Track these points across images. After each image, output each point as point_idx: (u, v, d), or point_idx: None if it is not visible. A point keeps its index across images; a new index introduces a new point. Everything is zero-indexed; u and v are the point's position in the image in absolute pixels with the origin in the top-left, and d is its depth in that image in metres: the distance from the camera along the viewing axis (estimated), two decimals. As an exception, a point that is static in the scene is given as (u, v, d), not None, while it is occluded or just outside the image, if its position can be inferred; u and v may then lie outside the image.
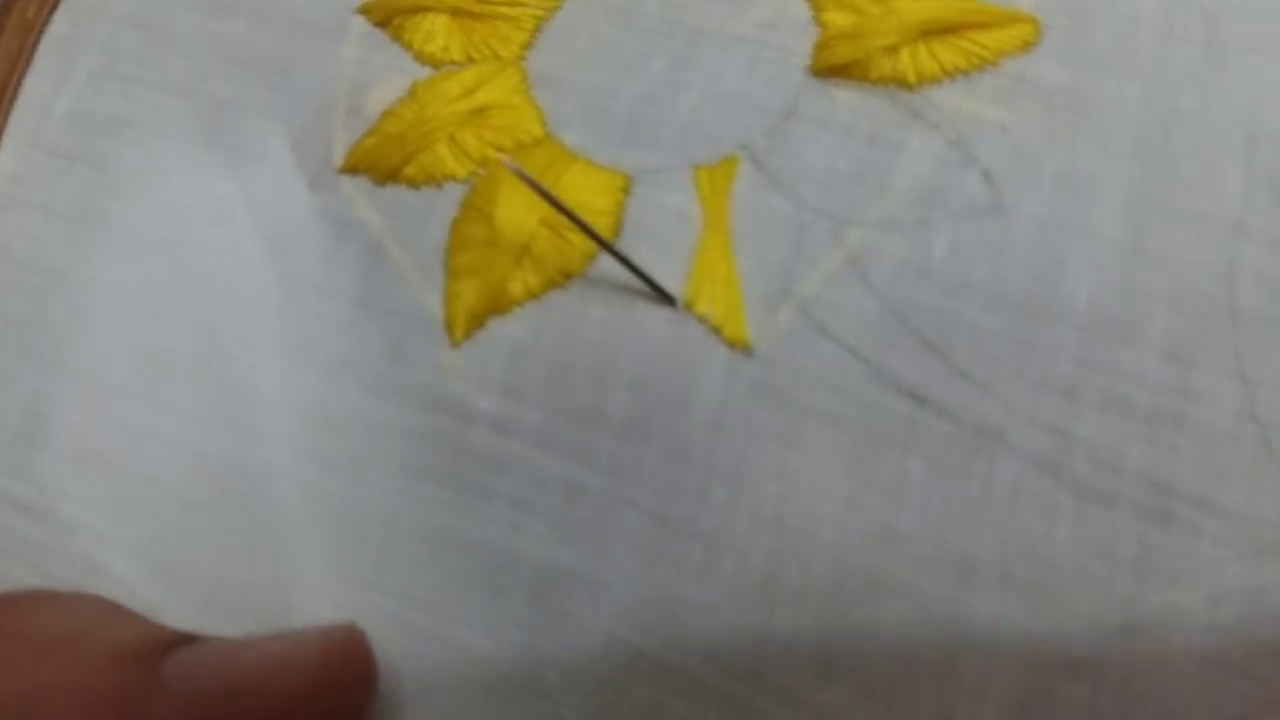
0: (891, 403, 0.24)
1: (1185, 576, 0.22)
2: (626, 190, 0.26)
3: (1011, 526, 0.23)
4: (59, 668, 0.21)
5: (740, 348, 0.24)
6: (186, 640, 0.23)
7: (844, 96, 0.26)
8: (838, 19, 0.27)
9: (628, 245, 0.25)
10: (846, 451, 0.23)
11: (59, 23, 0.30)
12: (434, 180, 0.26)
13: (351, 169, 0.27)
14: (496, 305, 0.25)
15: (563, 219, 0.25)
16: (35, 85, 0.29)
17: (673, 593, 0.23)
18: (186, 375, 0.26)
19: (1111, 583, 0.22)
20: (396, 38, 0.28)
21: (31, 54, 0.29)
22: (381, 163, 0.26)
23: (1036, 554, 0.23)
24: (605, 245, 0.24)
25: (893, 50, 0.26)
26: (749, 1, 0.27)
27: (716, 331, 0.24)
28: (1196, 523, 0.22)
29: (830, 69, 0.26)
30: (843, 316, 0.24)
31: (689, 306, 0.24)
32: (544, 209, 0.25)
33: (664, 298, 0.25)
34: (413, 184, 0.26)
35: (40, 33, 0.29)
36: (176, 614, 0.24)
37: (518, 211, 0.25)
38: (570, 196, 0.25)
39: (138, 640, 0.22)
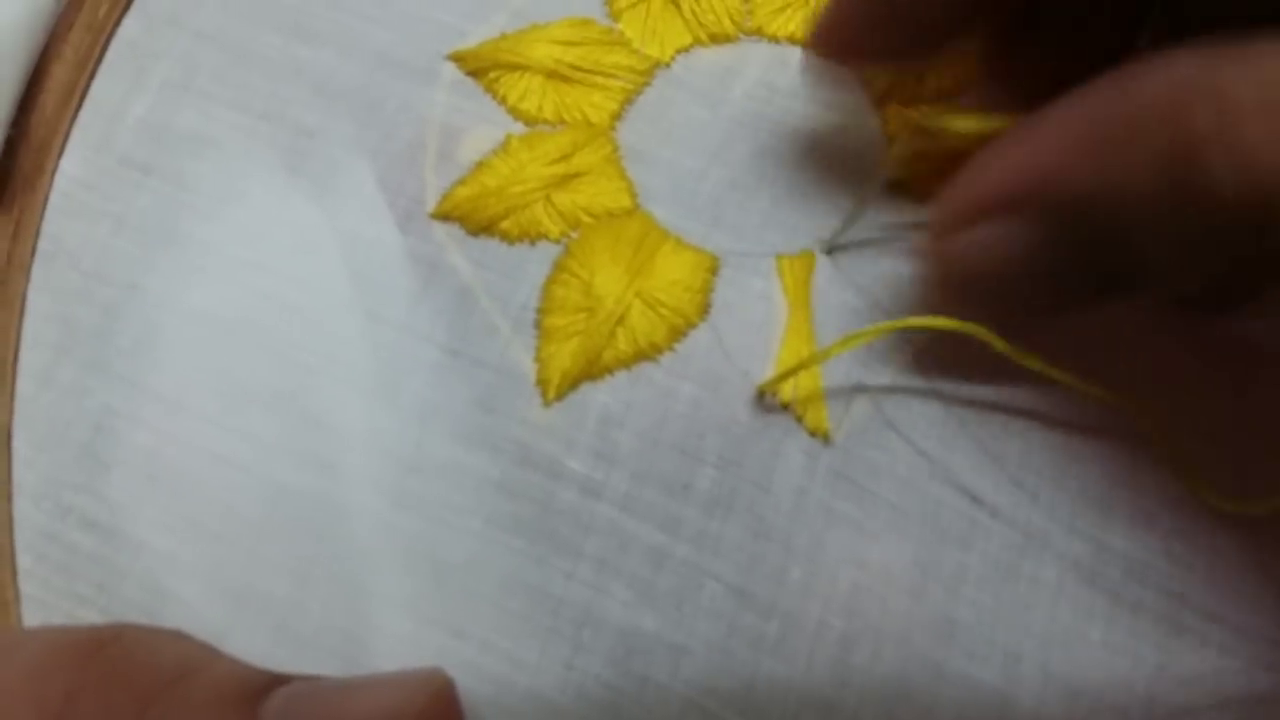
0: (953, 500, 0.24)
1: (1195, 682, 0.24)
2: (714, 270, 0.26)
3: (1053, 625, 0.24)
4: (163, 716, 0.20)
5: (820, 436, 0.25)
6: (278, 681, 0.21)
7: (908, 209, 0.27)
8: (904, 136, 0.27)
9: (717, 323, 0.25)
10: (913, 543, 0.24)
11: (130, 26, 0.28)
12: (528, 237, 0.26)
13: (444, 215, 0.26)
14: (590, 371, 0.25)
15: (657, 293, 0.25)
16: (105, 89, 0.27)
17: (749, 664, 0.23)
18: (267, 404, 0.25)
19: (1134, 682, 0.24)
20: (490, 90, 0.27)
21: (101, 56, 0.27)
22: (477, 214, 0.26)
23: (1073, 652, 0.24)
24: None
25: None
26: (824, 104, 0.27)
27: (798, 419, 0.25)
28: (1206, 633, 0.24)
29: (896, 183, 0.27)
30: (910, 415, 0.25)
31: (774, 394, 0.25)
32: (639, 281, 0.25)
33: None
34: (506, 238, 0.26)
35: (111, 35, 0.27)
36: (245, 642, 0.23)
37: (616, 282, 0.25)
38: (664, 272, 0.25)
39: (235, 683, 0.21)
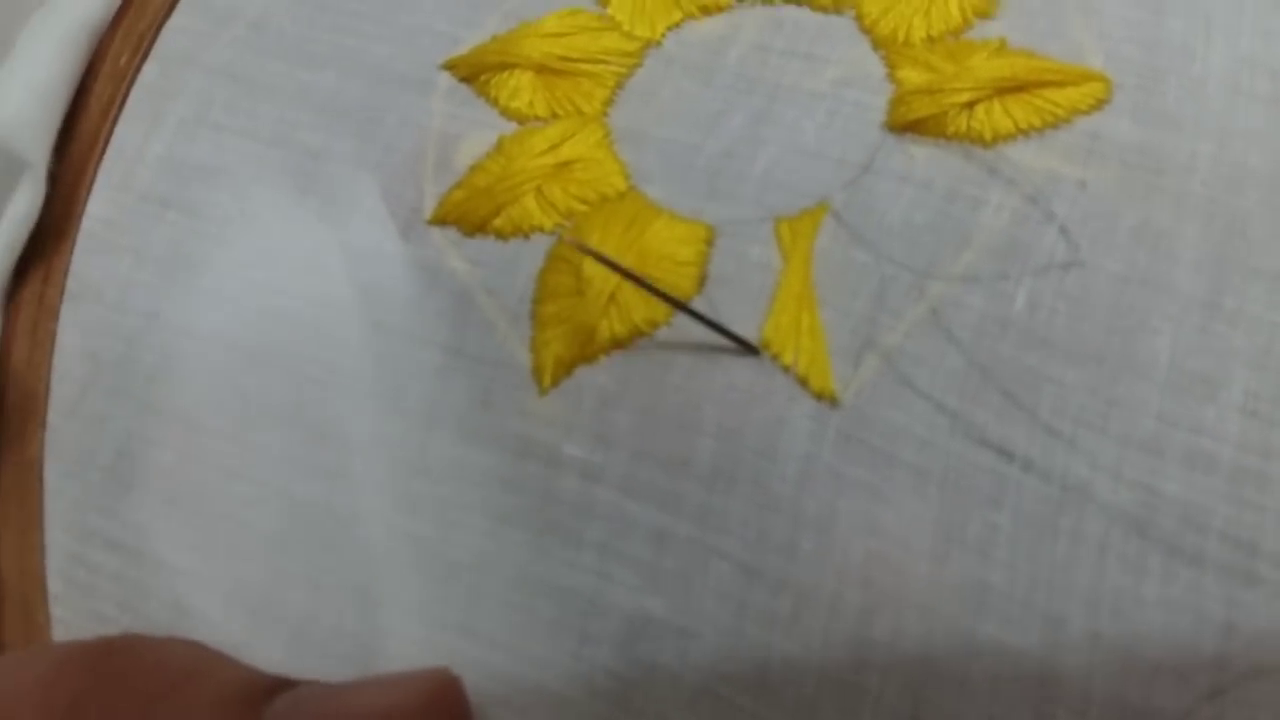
0: (978, 457, 0.22)
1: (1272, 639, 0.20)
2: (709, 242, 0.24)
3: (1100, 584, 0.21)
4: (166, 717, 0.19)
5: (826, 399, 0.22)
6: (284, 685, 0.21)
7: (921, 152, 0.24)
8: (912, 76, 0.25)
9: (712, 296, 0.23)
10: (935, 505, 0.22)
11: (149, 71, 0.28)
12: (521, 232, 0.25)
13: (441, 220, 0.25)
14: (584, 353, 0.23)
15: (647, 268, 0.23)
16: (127, 131, 0.27)
17: (762, 645, 0.21)
18: (278, 419, 0.24)
19: (1198, 644, 0.20)
20: (482, 93, 0.26)
21: (123, 101, 0.27)
22: (471, 215, 0.25)
23: (1124, 612, 0.21)
24: (680, 306, 0.22)
25: (968, 107, 0.24)
26: (824, 59, 0.25)
27: (802, 382, 0.22)
28: (1282, 583, 0.21)
29: (907, 125, 0.24)
30: (926, 369, 0.22)
31: (774, 357, 0.23)
32: (629, 259, 0.23)
33: (746, 349, 0.23)
34: (501, 235, 0.25)
35: (132, 81, 0.28)
36: (263, 655, 0.22)
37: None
38: (655, 248, 0.24)
39: (238, 686, 0.21)
